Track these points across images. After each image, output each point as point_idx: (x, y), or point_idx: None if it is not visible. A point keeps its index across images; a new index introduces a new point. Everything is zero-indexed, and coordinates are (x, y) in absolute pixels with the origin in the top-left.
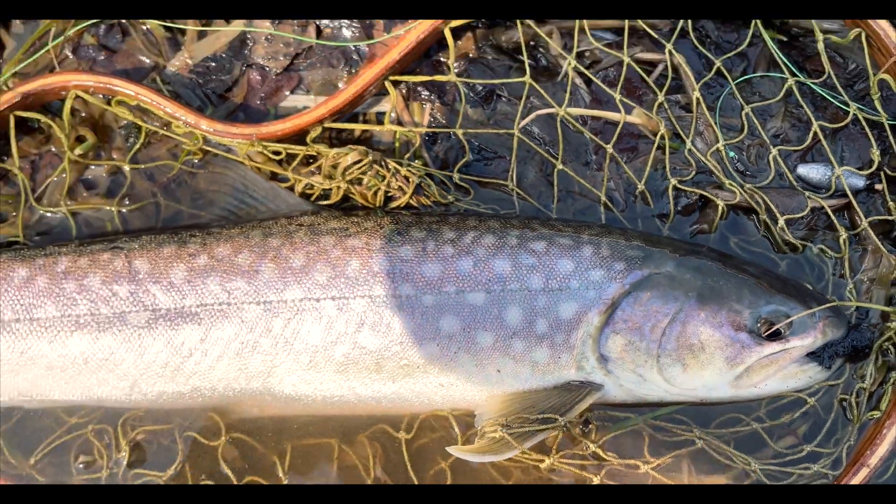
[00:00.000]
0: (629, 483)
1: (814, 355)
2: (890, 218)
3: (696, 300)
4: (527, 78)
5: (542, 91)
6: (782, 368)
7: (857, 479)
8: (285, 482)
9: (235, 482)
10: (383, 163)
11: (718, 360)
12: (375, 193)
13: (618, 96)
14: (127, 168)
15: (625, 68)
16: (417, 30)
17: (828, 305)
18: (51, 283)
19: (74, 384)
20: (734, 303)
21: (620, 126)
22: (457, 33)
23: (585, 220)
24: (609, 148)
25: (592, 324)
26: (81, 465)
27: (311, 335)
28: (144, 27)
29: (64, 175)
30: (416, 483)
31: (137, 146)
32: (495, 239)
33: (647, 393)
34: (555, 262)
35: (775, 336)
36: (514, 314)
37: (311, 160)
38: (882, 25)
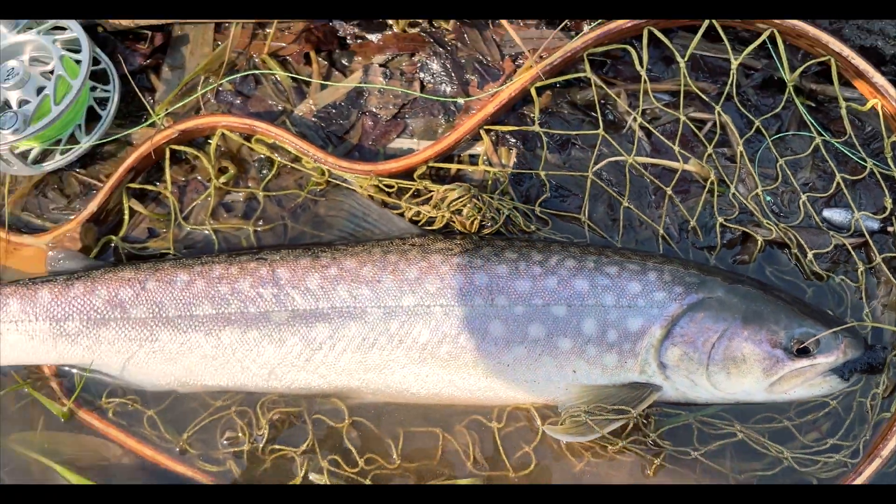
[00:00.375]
0: (681, 467)
1: (835, 369)
2: None
3: (741, 321)
4: (600, 130)
5: (612, 141)
6: (809, 380)
7: (872, 468)
8: (398, 462)
9: (358, 458)
10: (480, 197)
11: (757, 371)
12: (472, 222)
13: (676, 147)
14: (260, 195)
15: (681, 125)
16: (509, 89)
17: (848, 326)
18: (208, 286)
19: (223, 371)
20: (772, 324)
21: (679, 173)
22: (539, 91)
23: (650, 251)
24: (668, 190)
25: (655, 336)
26: (226, 442)
27: (422, 335)
28: (274, 77)
29: (209, 199)
30: (506, 463)
31: (269, 177)
32: (576, 262)
33: (697, 395)
34: (625, 284)
35: (805, 353)
36: (590, 325)
37: (416, 192)
38: None
